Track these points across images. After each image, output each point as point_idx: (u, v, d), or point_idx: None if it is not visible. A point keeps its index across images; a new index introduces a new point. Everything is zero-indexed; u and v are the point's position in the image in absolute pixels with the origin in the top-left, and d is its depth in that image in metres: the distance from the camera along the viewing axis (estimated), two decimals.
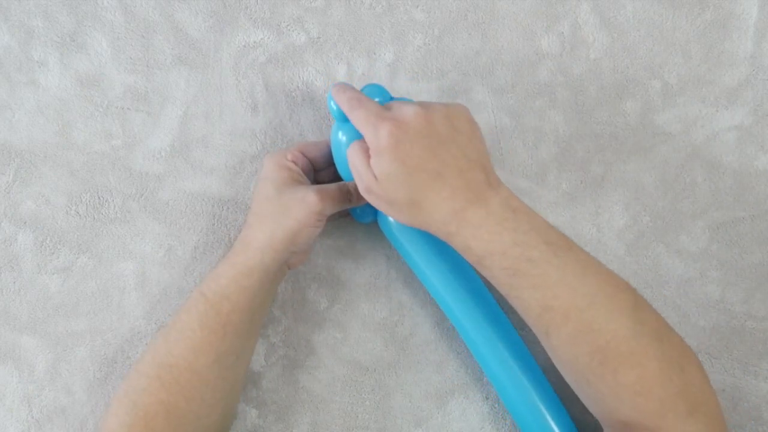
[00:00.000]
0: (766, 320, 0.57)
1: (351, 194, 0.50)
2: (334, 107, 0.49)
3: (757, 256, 0.58)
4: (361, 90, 0.50)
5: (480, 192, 0.43)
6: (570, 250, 0.44)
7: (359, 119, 0.44)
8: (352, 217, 0.56)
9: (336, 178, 0.53)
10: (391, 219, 0.52)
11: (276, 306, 0.56)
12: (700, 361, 0.44)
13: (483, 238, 0.43)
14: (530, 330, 0.57)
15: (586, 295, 0.42)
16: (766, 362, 0.57)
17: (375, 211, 0.54)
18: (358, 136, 0.50)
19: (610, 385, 0.42)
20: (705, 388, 0.43)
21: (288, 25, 0.58)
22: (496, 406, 0.55)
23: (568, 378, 0.45)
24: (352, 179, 0.52)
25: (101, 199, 0.56)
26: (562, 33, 0.59)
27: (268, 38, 0.58)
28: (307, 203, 0.48)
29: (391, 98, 0.50)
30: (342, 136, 0.50)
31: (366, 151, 0.45)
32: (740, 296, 0.57)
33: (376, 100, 0.50)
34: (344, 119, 0.50)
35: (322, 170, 0.54)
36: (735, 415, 0.56)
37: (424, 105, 0.44)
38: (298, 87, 0.58)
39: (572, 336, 0.42)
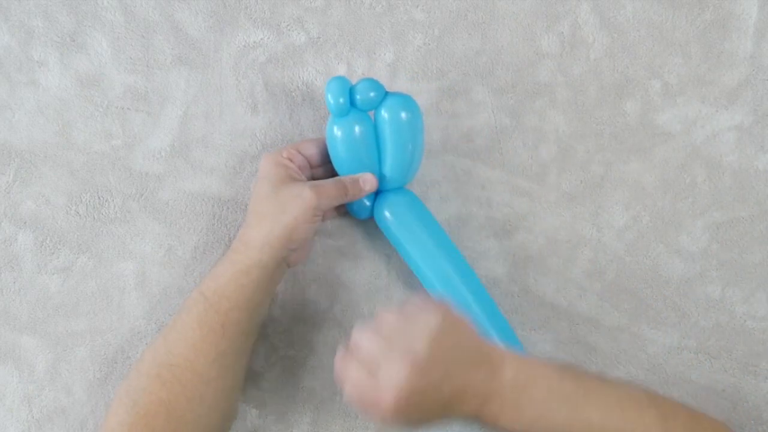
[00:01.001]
0: (766, 320, 0.57)
1: (347, 189, 0.50)
2: (331, 101, 0.49)
3: (757, 256, 0.58)
4: (357, 84, 0.50)
5: (487, 390, 0.43)
6: (587, 396, 0.45)
7: (353, 397, 0.43)
8: (350, 214, 0.56)
9: (332, 174, 0.53)
10: (387, 214, 0.52)
11: (276, 306, 0.56)
12: (733, 430, 0.46)
13: (505, 423, 0.44)
14: (532, 332, 0.57)
15: (616, 430, 0.44)
16: (766, 362, 0.57)
17: (372, 207, 0.54)
18: (353, 132, 0.50)
19: None
20: None
21: (288, 25, 0.58)
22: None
23: None
24: (348, 173, 0.52)
25: (101, 199, 0.56)
26: (562, 33, 0.59)
27: (268, 38, 0.58)
28: (303, 199, 0.48)
29: (386, 93, 0.50)
30: (338, 131, 0.50)
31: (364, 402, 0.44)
32: (740, 296, 0.57)
33: (371, 94, 0.50)
34: (340, 114, 0.50)
35: (318, 167, 0.54)
36: (735, 415, 0.56)
37: (408, 356, 0.42)
38: (298, 87, 0.58)
39: None
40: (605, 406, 0.45)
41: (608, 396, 0.45)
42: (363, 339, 0.44)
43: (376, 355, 0.43)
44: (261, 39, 0.58)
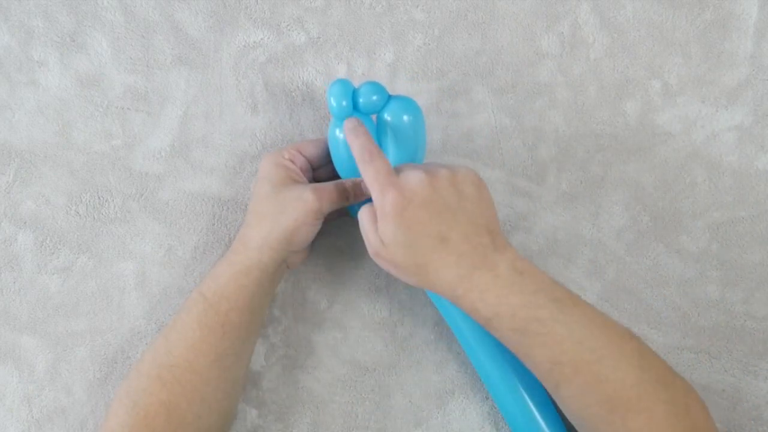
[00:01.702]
0: (766, 320, 0.57)
1: (348, 192, 0.50)
2: (334, 104, 0.49)
3: (757, 256, 0.58)
4: (359, 88, 0.50)
5: (486, 256, 0.44)
6: (576, 306, 0.45)
7: (368, 177, 0.45)
8: (351, 216, 0.56)
9: (334, 175, 0.53)
10: None
11: (276, 306, 0.56)
12: (703, 400, 0.46)
13: (490, 302, 0.44)
14: None
15: (594, 349, 0.43)
16: (766, 362, 0.57)
17: None
18: None
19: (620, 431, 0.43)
20: (709, 426, 0.45)
21: (288, 25, 0.58)
22: (496, 406, 0.55)
23: (579, 427, 0.46)
24: (350, 176, 0.52)
25: (101, 199, 0.56)
26: (562, 33, 0.59)
27: (268, 38, 0.58)
28: (304, 201, 0.48)
29: (389, 97, 0.50)
30: (339, 134, 0.50)
31: (374, 215, 0.45)
32: (740, 296, 0.57)
33: (374, 98, 0.50)
34: (342, 117, 0.50)
35: (319, 168, 0.54)
36: (735, 415, 0.56)
37: (430, 171, 0.44)
38: (298, 87, 0.58)
39: (582, 388, 0.43)
40: (590, 320, 0.44)
41: (595, 315, 0.45)
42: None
43: (404, 166, 0.46)
44: (261, 39, 0.58)
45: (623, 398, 0.43)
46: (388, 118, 0.50)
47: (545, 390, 0.51)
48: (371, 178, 0.45)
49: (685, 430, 0.43)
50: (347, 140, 0.48)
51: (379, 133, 0.51)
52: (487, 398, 0.56)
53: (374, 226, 0.45)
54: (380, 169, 0.45)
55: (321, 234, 0.57)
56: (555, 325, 0.43)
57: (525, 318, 0.43)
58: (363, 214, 0.46)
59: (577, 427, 0.47)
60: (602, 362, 0.43)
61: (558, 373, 0.44)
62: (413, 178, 0.44)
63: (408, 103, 0.51)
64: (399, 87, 0.58)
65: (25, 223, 0.55)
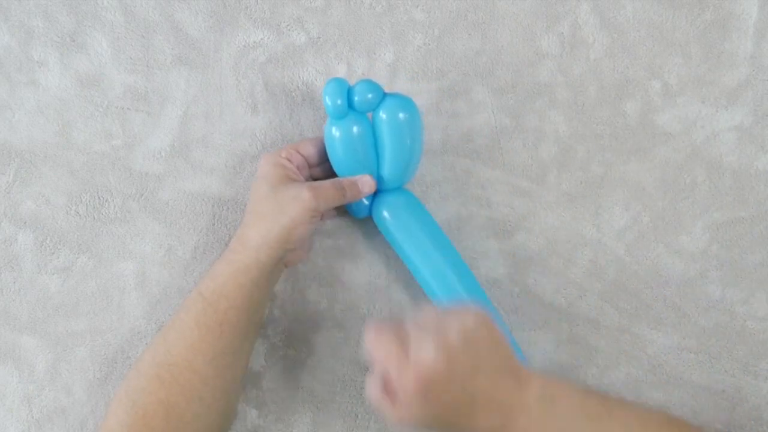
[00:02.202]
0: (766, 320, 0.57)
1: (345, 190, 0.50)
2: (329, 103, 0.49)
3: (757, 256, 0.58)
4: (355, 86, 0.50)
5: (514, 401, 0.43)
6: (611, 416, 0.44)
7: (380, 360, 0.43)
8: (348, 213, 0.56)
9: (331, 173, 0.53)
10: (385, 214, 0.52)
11: (276, 306, 0.56)
12: None
13: None
14: (530, 333, 0.57)
15: None
16: (766, 362, 0.57)
17: (370, 206, 0.54)
18: (351, 134, 0.50)
19: None
20: None
21: (288, 25, 0.58)
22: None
23: None
24: (346, 175, 0.52)
25: (101, 199, 0.56)
26: (562, 33, 0.59)
27: (268, 38, 0.58)
28: (301, 200, 0.48)
29: (385, 95, 0.50)
30: (336, 132, 0.50)
31: (385, 390, 0.43)
32: (740, 296, 0.57)
33: (369, 96, 0.50)
34: (338, 116, 0.50)
35: (317, 166, 0.54)
36: (735, 415, 0.56)
37: (440, 335, 0.42)
38: (298, 87, 0.58)
39: None
40: (628, 426, 0.44)
41: (631, 416, 0.45)
42: (406, 323, 0.44)
43: (411, 334, 0.43)
44: (261, 39, 0.58)
45: None
46: (384, 116, 0.50)
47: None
48: (383, 359, 0.42)
49: None
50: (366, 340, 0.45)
51: (374, 130, 0.51)
52: None
53: (387, 403, 0.43)
54: (390, 348, 0.42)
55: (321, 234, 0.57)
56: None
57: None
58: (373, 389, 0.43)
59: None
60: None
61: None
62: (427, 352, 0.41)
63: (403, 101, 0.51)
64: (399, 87, 0.58)
65: (25, 223, 0.55)
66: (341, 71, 0.58)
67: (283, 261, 0.51)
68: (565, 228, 0.58)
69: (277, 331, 0.56)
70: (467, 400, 0.42)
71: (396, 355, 0.42)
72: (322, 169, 0.54)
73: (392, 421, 0.44)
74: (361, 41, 0.58)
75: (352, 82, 0.51)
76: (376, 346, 0.43)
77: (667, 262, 0.58)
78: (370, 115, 0.52)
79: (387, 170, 0.52)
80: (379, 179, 0.53)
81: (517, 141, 0.58)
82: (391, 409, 0.43)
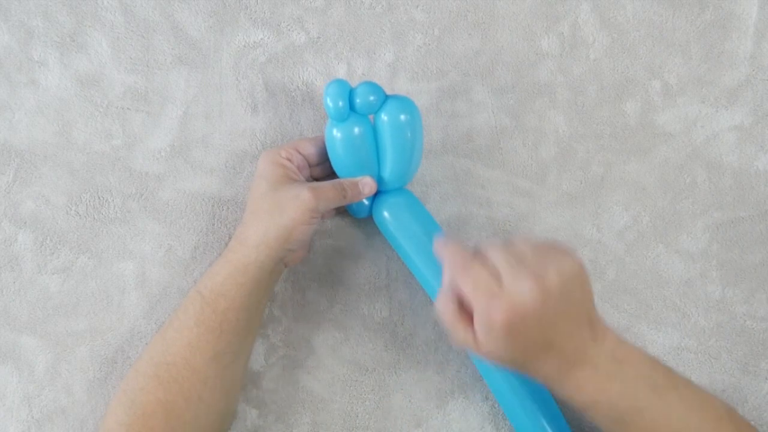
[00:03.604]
0: (766, 320, 0.57)
1: (345, 191, 0.50)
2: (330, 105, 0.49)
3: (757, 256, 0.58)
4: (356, 88, 0.50)
5: (587, 351, 0.43)
6: (675, 390, 0.44)
7: (466, 287, 0.42)
8: (348, 213, 0.56)
9: (330, 172, 0.54)
10: (386, 215, 0.52)
11: (276, 306, 0.56)
12: None
13: (588, 393, 0.43)
14: None
15: (692, 431, 0.43)
16: (766, 362, 0.57)
17: (371, 207, 0.54)
18: (352, 135, 0.50)
19: None
20: None
21: (288, 25, 0.58)
22: (496, 406, 0.55)
23: None
24: (347, 176, 0.52)
25: (101, 199, 0.56)
26: (562, 33, 0.59)
27: (268, 38, 0.58)
28: (302, 200, 0.48)
29: (386, 97, 0.50)
30: (337, 134, 0.50)
31: (462, 313, 0.43)
32: (740, 296, 0.57)
33: (371, 98, 0.50)
34: (339, 118, 0.50)
35: (317, 166, 0.54)
36: None
37: (540, 277, 0.41)
38: (298, 87, 0.58)
39: None
40: (688, 405, 0.44)
41: (692, 397, 0.45)
42: (495, 251, 0.42)
43: (507, 267, 0.41)
44: (261, 39, 0.58)
45: None
46: (385, 118, 0.50)
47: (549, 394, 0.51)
48: (470, 288, 0.42)
49: None
50: (438, 254, 0.45)
51: (376, 132, 0.51)
52: (487, 398, 0.56)
53: (463, 325, 0.42)
54: (479, 278, 0.41)
55: (321, 234, 0.57)
56: (653, 413, 0.43)
57: (623, 408, 0.43)
58: (446, 310, 0.43)
59: None
60: None
61: None
62: (523, 289, 0.40)
63: (405, 103, 0.51)
64: (399, 87, 0.58)
65: (25, 223, 0.55)
66: (341, 71, 0.58)
67: (283, 261, 0.51)
68: (565, 228, 0.58)
69: (277, 331, 0.56)
70: (545, 342, 0.42)
71: (487, 285, 0.41)
72: (322, 168, 0.54)
73: (456, 344, 0.43)
74: (361, 41, 0.58)
75: (352, 82, 0.51)
76: (461, 271, 0.42)
77: (667, 262, 0.58)
78: (371, 116, 0.52)
79: (388, 172, 0.52)
80: (379, 180, 0.53)
81: (517, 141, 0.58)
82: (463, 334, 0.42)
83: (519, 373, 0.45)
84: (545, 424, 0.49)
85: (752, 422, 0.56)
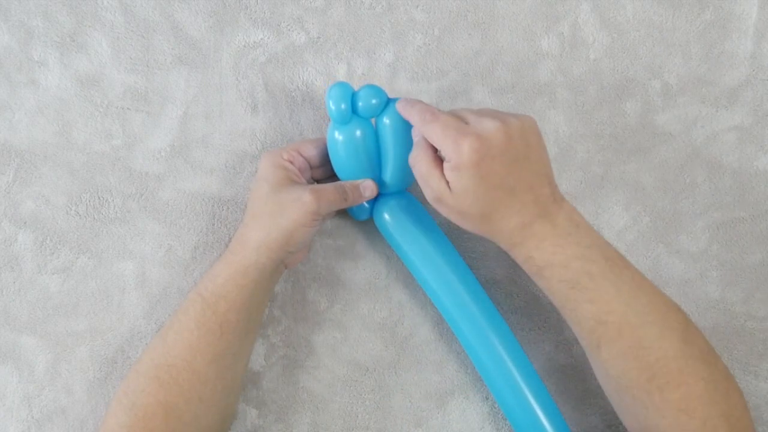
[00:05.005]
0: (766, 320, 0.57)
1: (347, 194, 0.50)
2: (333, 108, 0.49)
3: (757, 256, 0.58)
4: (359, 91, 0.50)
5: (547, 206, 0.45)
6: (626, 268, 0.45)
7: (435, 132, 0.44)
8: (349, 215, 0.56)
9: (331, 173, 0.54)
10: (386, 217, 0.52)
11: (276, 306, 0.56)
12: (742, 390, 0.46)
13: (546, 250, 0.44)
14: (530, 333, 0.57)
15: (640, 313, 0.44)
16: (766, 362, 0.57)
17: (371, 209, 0.54)
18: (354, 138, 0.50)
19: (656, 402, 0.43)
20: (746, 415, 0.45)
21: (288, 25, 0.58)
22: (496, 406, 0.55)
23: (612, 392, 0.46)
24: (348, 179, 0.52)
25: (101, 199, 0.56)
26: (562, 33, 0.59)
27: (268, 38, 0.58)
28: (303, 203, 0.48)
29: (389, 100, 0.50)
30: (339, 136, 0.50)
31: (435, 161, 0.45)
32: (740, 296, 0.57)
33: (373, 101, 0.50)
34: (341, 121, 0.50)
35: (318, 167, 0.54)
36: None
37: (501, 118, 0.44)
38: (298, 87, 0.58)
39: (623, 351, 0.44)
40: (639, 285, 0.45)
41: (643, 280, 0.45)
42: (459, 110, 0.46)
43: (471, 114, 0.45)
44: (261, 39, 0.58)
45: (664, 369, 0.43)
46: (387, 121, 0.50)
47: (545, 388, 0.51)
48: (439, 131, 0.44)
49: (721, 412, 0.43)
50: (403, 114, 0.48)
51: (377, 135, 0.52)
52: (487, 398, 0.56)
53: (439, 173, 0.45)
54: (448, 122, 0.44)
55: (321, 234, 0.57)
56: (605, 282, 0.44)
57: (577, 270, 0.44)
58: (420, 160, 0.46)
59: (611, 393, 0.47)
60: (646, 328, 0.43)
61: (601, 333, 0.44)
62: (489, 124, 0.43)
63: None
64: (399, 87, 0.58)
65: (25, 223, 0.55)
66: (341, 71, 0.58)
67: (284, 263, 0.51)
68: None
69: (277, 331, 0.56)
70: (509, 186, 0.44)
71: (456, 125, 0.44)
72: (324, 170, 0.54)
73: (433, 196, 0.45)
74: (361, 41, 0.58)
75: (352, 82, 0.51)
76: (431, 119, 0.45)
77: (667, 262, 0.58)
78: (372, 119, 0.52)
79: (389, 175, 0.52)
80: (380, 183, 0.53)
81: None
82: (437, 182, 0.44)
83: (486, 235, 0.46)
84: (545, 423, 0.49)
85: (752, 422, 0.56)
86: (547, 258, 0.44)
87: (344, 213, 0.57)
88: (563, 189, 0.58)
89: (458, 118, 0.45)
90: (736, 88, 0.59)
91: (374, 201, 0.54)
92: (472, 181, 0.43)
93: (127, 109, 0.57)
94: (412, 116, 0.47)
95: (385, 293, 0.57)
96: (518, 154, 0.44)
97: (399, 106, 0.48)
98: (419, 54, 0.58)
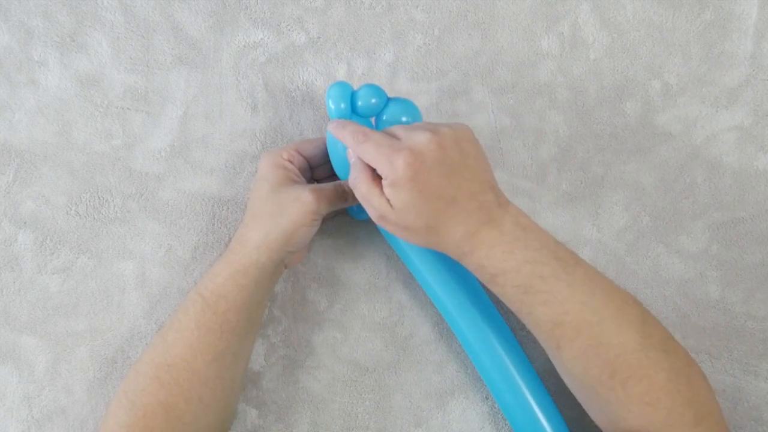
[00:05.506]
0: (766, 320, 0.57)
1: (347, 193, 0.50)
2: (332, 107, 0.49)
3: (757, 256, 0.58)
4: (358, 90, 0.50)
5: (491, 213, 0.44)
6: (578, 266, 0.45)
7: (369, 152, 0.45)
8: (349, 215, 0.56)
9: (331, 173, 0.54)
10: None
11: (276, 306, 0.56)
12: (704, 372, 0.46)
13: (496, 257, 0.44)
14: (530, 333, 0.57)
15: (596, 310, 0.43)
16: (766, 362, 0.57)
17: None
18: None
19: (620, 397, 0.43)
20: (710, 399, 0.45)
21: (288, 25, 0.58)
22: (496, 406, 0.55)
23: (577, 390, 0.46)
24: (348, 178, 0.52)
25: (101, 199, 0.56)
26: (562, 33, 0.59)
27: (268, 38, 0.58)
28: (303, 202, 0.48)
29: (388, 99, 0.50)
30: None
31: (374, 180, 0.45)
32: (740, 296, 0.57)
33: (373, 100, 0.50)
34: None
35: (318, 167, 0.54)
36: (735, 415, 0.56)
37: (432, 130, 0.44)
38: (298, 87, 0.58)
39: (583, 350, 0.43)
40: (592, 282, 0.44)
41: (598, 278, 0.45)
42: (392, 127, 0.46)
43: (402, 130, 0.45)
44: (261, 39, 0.58)
45: (624, 363, 0.43)
46: (387, 121, 0.50)
47: (545, 387, 0.51)
48: (373, 151, 0.44)
49: (686, 400, 0.43)
50: (336, 137, 0.48)
51: None
52: (487, 398, 0.56)
53: (378, 192, 0.45)
54: (380, 140, 0.44)
55: (321, 234, 0.57)
56: (558, 283, 0.43)
57: (529, 274, 0.43)
58: (359, 181, 0.46)
59: (574, 391, 0.47)
60: (604, 325, 0.43)
61: (559, 334, 0.44)
62: (421, 137, 0.43)
63: (407, 105, 0.51)
64: (399, 87, 0.58)
65: (25, 223, 0.55)
66: (341, 71, 0.58)
67: (284, 262, 0.51)
68: (565, 228, 0.58)
69: (277, 331, 0.56)
70: (449, 196, 0.43)
71: (388, 142, 0.44)
72: (323, 170, 0.54)
73: (376, 215, 0.46)
74: (361, 41, 0.58)
75: (352, 81, 0.51)
76: (362, 139, 0.45)
77: (667, 262, 0.58)
78: (372, 118, 0.52)
79: None
80: None
81: (517, 141, 0.58)
82: (378, 200, 0.44)
83: (435, 247, 0.46)
84: (544, 424, 0.49)
85: (752, 422, 0.56)
86: (497, 265, 0.44)
87: (344, 213, 0.57)
88: (563, 189, 0.58)
89: (391, 135, 0.45)
90: (736, 88, 0.59)
91: None
92: (410, 195, 0.43)
93: (127, 109, 0.57)
94: (345, 138, 0.47)
95: (385, 293, 0.57)
96: (454, 163, 0.44)
97: (331, 128, 0.48)
98: (419, 54, 0.58)
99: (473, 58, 0.59)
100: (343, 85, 0.49)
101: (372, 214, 0.46)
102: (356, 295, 0.57)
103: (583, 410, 0.47)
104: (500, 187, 0.57)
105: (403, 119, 0.50)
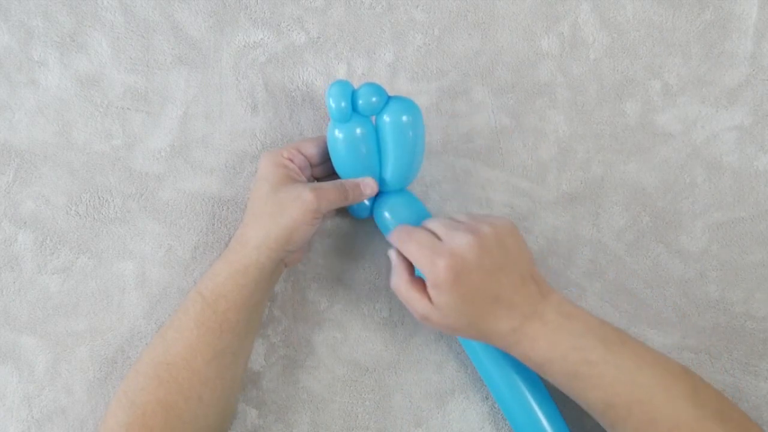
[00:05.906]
0: (766, 320, 0.57)
1: (347, 192, 0.50)
2: (333, 106, 0.49)
3: (757, 256, 0.58)
4: (359, 89, 0.50)
5: (534, 305, 0.45)
6: (624, 345, 0.45)
7: (412, 253, 0.46)
8: (349, 214, 0.56)
9: (332, 171, 0.54)
10: (387, 215, 0.53)
11: (276, 306, 0.56)
12: (764, 430, 0.46)
13: (541, 348, 0.44)
14: None
15: (646, 387, 0.44)
16: (766, 362, 0.57)
17: (372, 207, 0.54)
18: (354, 136, 0.50)
19: None
20: None
21: (288, 25, 0.58)
22: (496, 406, 0.55)
23: None
24: (349, 177, 0.52)
25: (101, 199, 0.56)
26: (562, 33, 0.59)
27: (268, 38, 0.58)
28: (303, 201, 0.48)
29: (389, 98, 0.50)
30: (339, 134, 0.50)
31: (414, 282, 0.46)
32: (740, 296, 0.57)
33: (373, 99, 0.50)
34: (341, 119, 0.50)
35: (319, 165, 0.54)
36: None
37: (474, 231, 0.45)
38: (298, 87, 0.58)
39: (637, 428, 0.43)
40: (640, 360, 0.44)
41: (645, 353, 0.45)
42: (434, 221, 0.47)
43: (444, 228, 0.46)
44: (261, 39, 0.58)
45: None
46: (387, 119, 0.50)
47: (545, 388, 0.51)
48: (415, 251, 0.45)
49: None
50: (393, 244, 0.48)
51: (378, 133, 0.52)
52: (487, 398, 0.56)
53: (418, 294, 0.46)
54: (422, 239, 0.45)
55: (321, 234, 0.57)
56: (605, 366, 0.44)
57: (575, 361, 0.44)
58: (399, 283, 0.47)
59: None
60: (655, 401, 0.43)
61: (612, 415, 0.44)
62: (461, 241, 0.44)
63: (407, 104, 0.51)
64: (399, 87, 0.58)
65: (25, 223, 0.55)
66: (341, 71, 0.58)
67: (284, 262, 0.51)
68: (564, 228, 0.58)
69: (277, 331, 0.56)
70: (492, 295, 0.44)
71: (429, 242, 0.45)
72: (323, 168, 0.54)
73: (419, 315, 0.46)
74: (361, 41, 0.58)
75: (352, 81, 0.51)
76: (406, 238, 0.46)
77: (667, 262, 0.58)
78: (372, 117, 0.52)
79: (389, 173, 0.52)
80: (381, 181, 0.53)
81: (517, 141, 0.58)
82: (419, 303, 0.45)
83: (480, 340, 0.46)
84: (544, 424, 0.49)
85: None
86: (543, 355, 0.44)
87: (344, 212, 0.57)
88: (563, 189, 0.58)
89: (433, 233, 0.46)
90: (736, 88, 0.59)
91: (374, 199, 0.54)
92: (452, 297, 0.44)
93: (127, 109, 0.57)
94: (393, 238, 0.48)
95: (385, 293, 0.57)
96: (495, 264, 0.44)
97: (392, 237, 0.49)
98: (419, 54, 0.58)
99: (473, 58, 0.59)
100: (343, 83, 0.49)
101: (415, 315, 0.47)
102: (356, 295, 0.57)
103: (583, 410, 0.47)
104: (500, 187, 0.58)
105: (404, 118, 0.50)
